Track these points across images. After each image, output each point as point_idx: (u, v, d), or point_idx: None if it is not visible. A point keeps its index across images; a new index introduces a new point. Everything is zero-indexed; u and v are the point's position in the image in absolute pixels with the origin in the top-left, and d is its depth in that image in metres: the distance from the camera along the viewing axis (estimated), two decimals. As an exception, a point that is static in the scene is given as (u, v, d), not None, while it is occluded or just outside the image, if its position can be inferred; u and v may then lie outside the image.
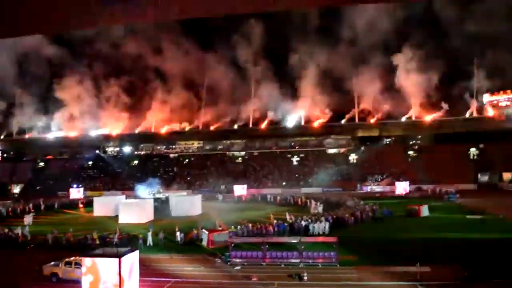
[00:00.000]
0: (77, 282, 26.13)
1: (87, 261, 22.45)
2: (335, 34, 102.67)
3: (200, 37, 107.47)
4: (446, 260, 28.89)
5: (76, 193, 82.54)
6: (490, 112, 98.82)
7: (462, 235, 37.72)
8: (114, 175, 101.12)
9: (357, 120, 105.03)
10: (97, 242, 37.06)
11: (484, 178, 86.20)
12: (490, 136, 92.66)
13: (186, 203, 56.67)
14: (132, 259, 23.32)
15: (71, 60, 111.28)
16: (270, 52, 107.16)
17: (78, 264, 26.93)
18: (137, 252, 24.20)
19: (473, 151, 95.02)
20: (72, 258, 27.88)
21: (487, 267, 26.96)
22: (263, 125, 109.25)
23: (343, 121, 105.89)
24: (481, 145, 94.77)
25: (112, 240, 37.07)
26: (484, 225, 43.13)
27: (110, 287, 21.88)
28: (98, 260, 22.35)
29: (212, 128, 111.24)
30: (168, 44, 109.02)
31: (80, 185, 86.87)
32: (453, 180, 79.74)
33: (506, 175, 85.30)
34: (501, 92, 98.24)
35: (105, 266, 21.99)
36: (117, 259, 21.90)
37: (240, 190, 79.27)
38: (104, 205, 57.81)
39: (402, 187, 76.40)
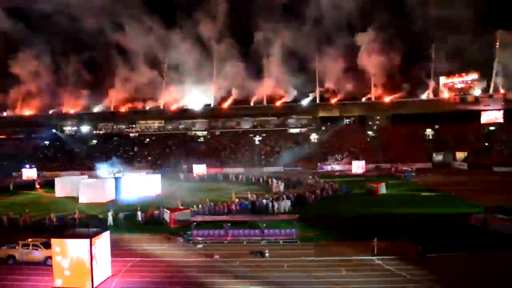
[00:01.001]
0: (35, 264, 25.70)
1: (57, 243, 22.03)
2: (300, 13, 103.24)
3: (164, 14, 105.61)
4: (402, 235, 29.94)
5: (28, 173, 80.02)
6: (445, 94, 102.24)
7: (417, 211, 39.24)
8: (72, 155, 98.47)
9: (318, 100, 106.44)
10: (55, 223, 36.22)
11: (438, 157, 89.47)
12: (445, 117, 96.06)
13: (143, 183, 56.00)
14: (103, 240, 23.09)
15: (27, 35, 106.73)
16: (235, 31, 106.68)
17: (36, 246, 26.38)
18: (107, 233, 23.95)
19: (429, 131, 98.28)
20: (29, 240, 27.22)
21: (440, 241, 28.24)
22: (226, 105, 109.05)
23: (304, 101, 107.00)
24: (436, 126, 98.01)
25: (70, 221, 36.33)
26: (437, 201, 44.90)
27: (82, 268, 21.61)
28: (69, 241, 21.95)
29: (173, 107, 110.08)
30: (130, 20, 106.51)
31: (33, 165, 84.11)
32: (409, 159, 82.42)
33: (459, 155, 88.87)
34: (457, 74, 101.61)
35: (76, 247, 21.68)
36: (88, 240, 21.62)
37: (199, 169, 78.98)
38: (66, 185, 55.96)
39: (358, 166, 78.31)
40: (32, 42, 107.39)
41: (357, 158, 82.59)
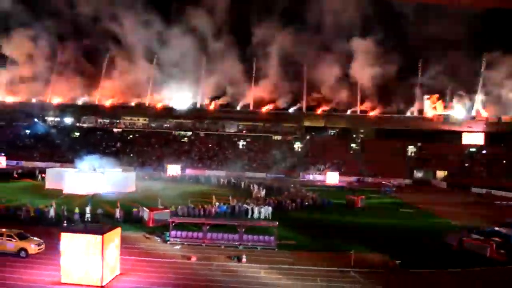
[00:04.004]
0: (7, 255, 25.25)
1: (67, 237, 21.45)
2: (299, 19, 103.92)
3: (160, 6, 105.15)
4: (379, 248, 30.30)
5: None
6: (429, 112, 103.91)
7: (395, 226, 39.80)
8: (53, 146, 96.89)
9: (304, 109, 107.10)
10: (32, 214, 35.71)
11: (419, 174, 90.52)
12: (427, 135, 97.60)
13: (120, 179, 55.44)
14: (114, 236, 22.58)
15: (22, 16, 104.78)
16: (231, 30, 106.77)
17: (10, 237, 25.90)
18: (119, 229, 23.54)
19: (411, 148, 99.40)
20: (3, 230, 26.62)
21: (415, 257, 28.59)
22: (212, 107, 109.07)
23: (291, 109, 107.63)
24: (419, 143, 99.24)
25: (46, 214, 35.82)
26: (415, 218, 45.47)
27: (92, 264, 21.08)
28: (80, 236, 21.38)
29: (159, 105, 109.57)
30: (125, 11, 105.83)
31: (3, 154, 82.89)
32: (390, 174, 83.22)
33: (439, 173, 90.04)
34: (440, 99, 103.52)
35: (88, 243, 21.08)
36: (100, 236, 21.04)
37: (174, 169, 78.04)
38: (57, 177, 54.48)
39: (332, 177, 79.40)
40: (26, 24, 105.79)
41: (339, 170, 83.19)
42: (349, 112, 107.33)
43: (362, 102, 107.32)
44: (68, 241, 21.44)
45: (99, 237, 21.10)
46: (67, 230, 22.28)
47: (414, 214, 48.51)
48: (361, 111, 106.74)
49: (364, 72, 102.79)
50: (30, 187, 56.32)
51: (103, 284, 21.27)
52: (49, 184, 54.73)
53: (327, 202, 51.44)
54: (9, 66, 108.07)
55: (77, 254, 21.26)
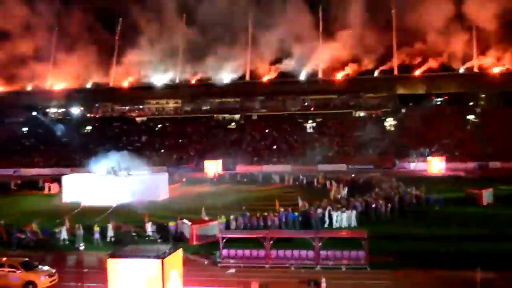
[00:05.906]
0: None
1: (115, 264, 21.95)
2: None
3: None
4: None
5: None
6: None
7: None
8: (59, 146, 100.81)
9: (396, 71, 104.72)
10: (40, 236, 37.49)
11: None
12: None
13: (148, 185, 57.20)
14: (175, 260, 23.11)
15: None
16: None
17: (13, 267, 27.16)
18: (180, 251, 24.05)
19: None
20: (4, 259, 28.06)
21: None
22: (266, 78, 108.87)
23: (377, 73, 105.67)
24: None
25: (57, 235, 37.41)
26: None
27: None
28: (133, 262, 21.84)
29: (194, 81, 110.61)
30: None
31: None
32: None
33: None
34: None
35: (142, 269, 21.45)
36: (159, 261, 21.34)
37: (212, 167, 79.27)
38: (77, 186, 56.98)
39: (436, 165, 77.96)
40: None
41: (452, 154, 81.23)
42: (462, 70, 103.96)
43: (481, 55, 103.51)
44: (117, 268, 21.72)
45: (157, 261, 21.28)
46: (115, 255, 22.62)
47: None
48: (480, 68, 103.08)
49: (484, 10, 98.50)
50: (37, 201, 59.18)
51: None
52: (67, 196, 56.96)
53: (436, 199, 50.55)
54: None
55: (129, 285, 21.54)
